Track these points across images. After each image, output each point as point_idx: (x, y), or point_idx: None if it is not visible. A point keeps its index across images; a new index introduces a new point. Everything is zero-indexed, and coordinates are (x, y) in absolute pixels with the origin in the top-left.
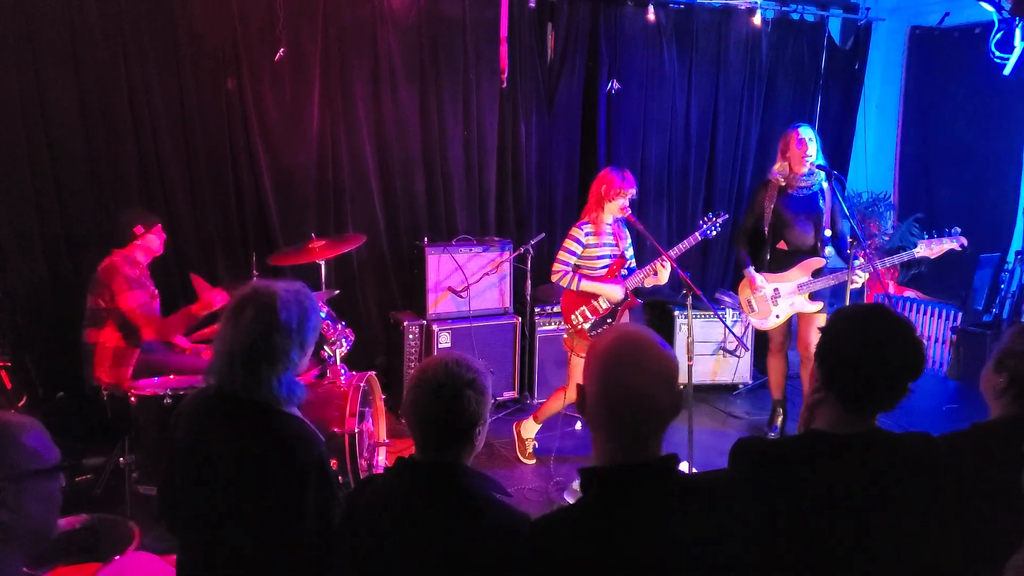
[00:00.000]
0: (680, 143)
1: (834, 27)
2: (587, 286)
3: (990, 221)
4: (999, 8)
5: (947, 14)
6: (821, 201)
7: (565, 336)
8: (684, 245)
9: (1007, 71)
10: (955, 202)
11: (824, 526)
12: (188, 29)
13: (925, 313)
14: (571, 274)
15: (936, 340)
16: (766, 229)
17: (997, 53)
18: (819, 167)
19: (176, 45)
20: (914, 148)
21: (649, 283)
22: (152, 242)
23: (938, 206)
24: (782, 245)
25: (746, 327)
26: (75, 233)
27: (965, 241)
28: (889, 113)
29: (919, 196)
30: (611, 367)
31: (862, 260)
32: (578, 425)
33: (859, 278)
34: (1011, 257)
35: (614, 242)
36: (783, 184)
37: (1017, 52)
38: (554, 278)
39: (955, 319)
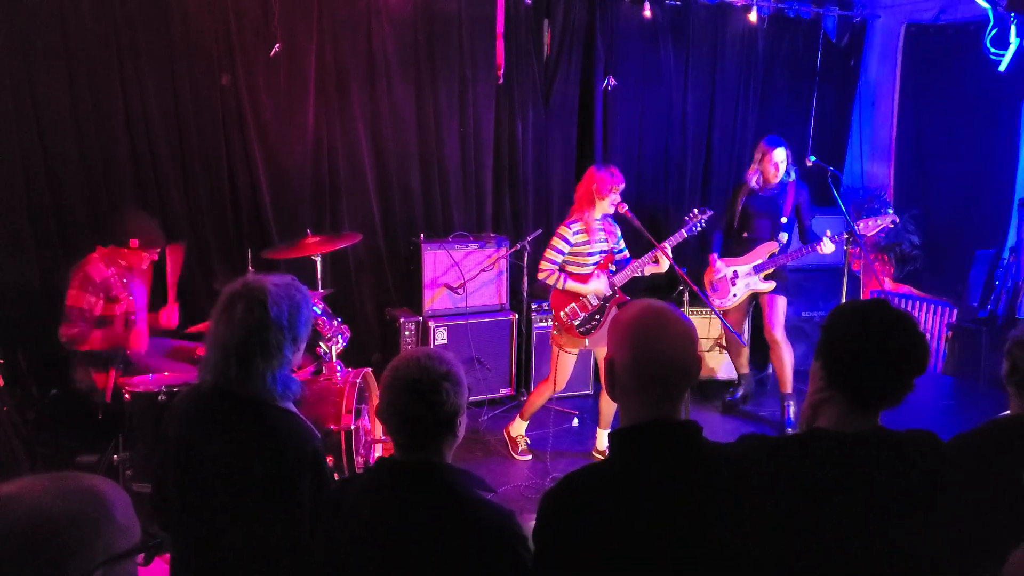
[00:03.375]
0: (676, 139)
1: (829, 24)
2: (572, 286)
3: (985, 217)
4: (994, 4)
5: (942, 10)
6: (780, 200)
7: (553, 332)
8: (671, 242)
9: (1002, 67)
10: (950, 198)
11: (829, 524)
12: (182, 25)
13: (920, 309)
14: (557, 273)
15: (931, 336)
16: (736, 221)
17: (992, 49)
18: (817, 163)
19: (170, 41)
20: (909, 144)
21: (649, 271)
22: (139, 259)
23: (933, 202)
24: (745, 234)
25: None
26: (68, 232)
27: (897, 219)
28: (885, 110)
29: (914, 192)
30: (639, 334)
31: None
32: (575, 421)
33: (826, 246)
34: (1006, 253)
35: (605, 238)
36: (755, 186)
37: (1012, 48)
38: (540, 276)
39: (950, 315)
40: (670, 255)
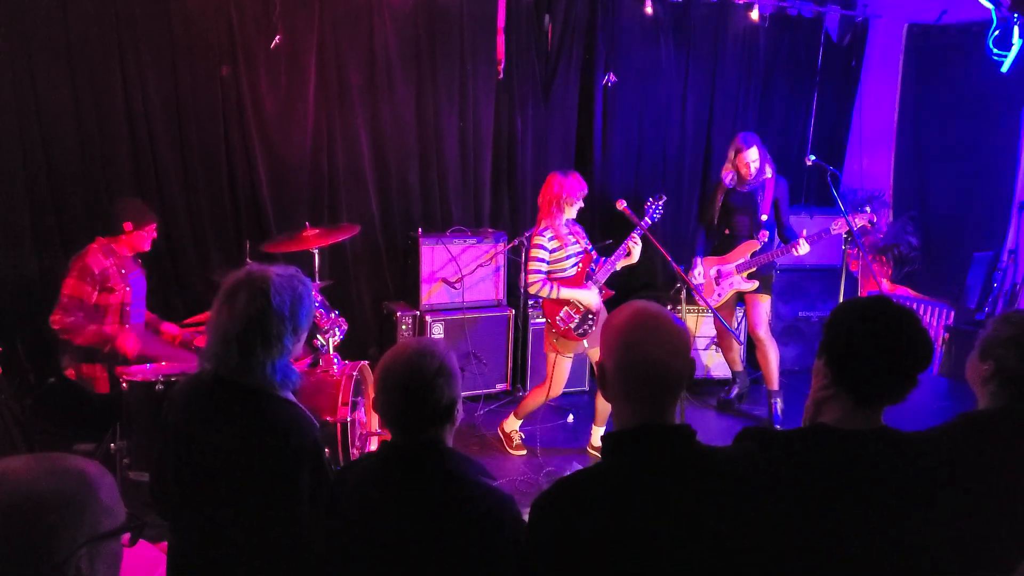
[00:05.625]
0: (676, 137)
1: (831, 24)
2: (567, 294)
3: (984, 219)
4: (998, 4)
5: (945, 11)
6: (759, 196)
7: (552, 341)
8: (636, 234)
9: (1005, 68)
10: (949, 199)
11: (830, 520)
12: (183, 17)
13: (918, 311)
14: (547, 284)
15: None
16: (715, 219)
17: (995, 50)
18: (816, 163)
19: (171, 34)
20: (909, 145)
21: (621, 264)
22: (140, 240)
23: (932, 203)
24: (727, 231)
25: (739, 321)
26: (67, 223)
27: (874, 218)
28: (885, 110)
29: (914, 193)
30: (629, 341)
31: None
32: (570, 417)
33: (802, 247)
34: (1005, 255)
35: (576, 240)
36: (729, 185)
37: (1015, 49)
38: (532, 290)
39: (948, 317)
40: (667, 254)
